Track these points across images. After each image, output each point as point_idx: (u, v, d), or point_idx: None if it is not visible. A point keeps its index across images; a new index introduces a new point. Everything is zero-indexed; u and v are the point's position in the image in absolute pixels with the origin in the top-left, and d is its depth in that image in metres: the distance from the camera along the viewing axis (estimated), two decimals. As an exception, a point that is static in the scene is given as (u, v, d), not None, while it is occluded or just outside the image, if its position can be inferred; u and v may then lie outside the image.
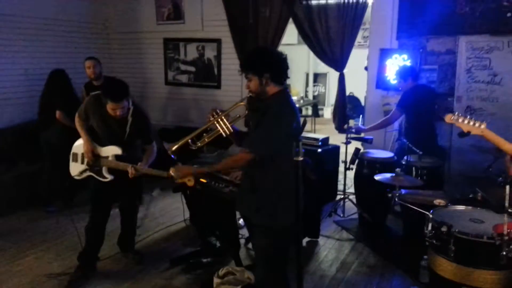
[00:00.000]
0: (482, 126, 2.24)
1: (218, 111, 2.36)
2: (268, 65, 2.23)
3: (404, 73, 4.26)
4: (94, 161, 3.18)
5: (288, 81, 2.61)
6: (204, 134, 2.39)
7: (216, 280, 3.10)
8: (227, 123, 2.34)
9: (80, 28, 6.21)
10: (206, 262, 3.47)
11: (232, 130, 2.38)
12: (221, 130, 2.33)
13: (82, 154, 3.24)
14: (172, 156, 2.29)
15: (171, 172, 2.29)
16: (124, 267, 3.47)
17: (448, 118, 2.36)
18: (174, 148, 2.26)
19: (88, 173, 3.23)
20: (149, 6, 6.37)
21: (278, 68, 2.26)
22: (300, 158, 1.79)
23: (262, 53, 2.31)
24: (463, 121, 2.28)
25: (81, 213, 3.94)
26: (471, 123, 2.26)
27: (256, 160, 2.19)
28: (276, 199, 2.27)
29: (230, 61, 5.92)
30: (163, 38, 6.41)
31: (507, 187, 2.00)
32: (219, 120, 2.33)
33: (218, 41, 6.00)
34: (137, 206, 3.64)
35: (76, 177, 3.31)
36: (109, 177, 3.16)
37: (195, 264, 3.44)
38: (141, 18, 6.51)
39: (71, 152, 3.35)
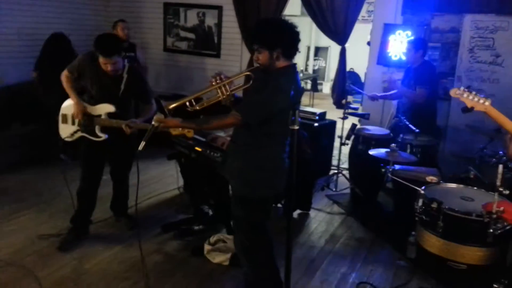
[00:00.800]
0: (487, 103, 2.22)
1: (222, 77, 2.26)
2: (281, 40, 2.15)
3: (418, 44, 4.13)
4: (86, 121, 3.11)
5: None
6: (204, 99, 2.31)
7: (207, 247, 3.15)
8: (229, 90, 2.25)
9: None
10: (197, 229, 3.51)
11: (233, 99, 2.31)
12: (222, 97, 2.26)
13: (72, 114, 3.16)
14: (168, 113, 2.19)
15: (156, 119, 2.17)
16: (116, 231, 3.50)
17: (453, 92, 2.31)
18: (171, 106, 2.16)
19: (80, 134, 3.16)
20: (149, -31, 6.19)
21: (291, 43, 2.19)
22: (296, 127, 1.75)
23: (276, 26, 2.19)
24: (468, 96, 2.24)
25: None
26: (476, 98, 2.23)
27: (244, 126, 2.16)
28: (258, 170, 2.24)
29: (231, 30, 5.82)
30: (163, 2, 6.26)
31: (500, 166, 2.01)
32: (221, 86, 2.24)
33: (219, 8, 5.87)
34: (127, 171, 3.53)
35: (67, 139, 3.22)
36: (103, 136, 3.10)
37: (187, 231, 3.48)
38: (141, -19, 6.33)
39: (60, 114, 3.26)
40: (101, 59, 2.91)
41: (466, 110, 2.27)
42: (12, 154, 4.69)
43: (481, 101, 2.24)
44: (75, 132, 3.17)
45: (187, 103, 2.20)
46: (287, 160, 2.30)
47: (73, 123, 3.18)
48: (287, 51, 2.18)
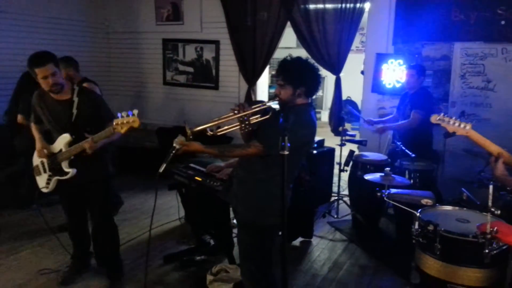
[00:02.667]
0: (467, 127, 2.27)
1: (245, 107, 2.29)
2: (307, 80, 2.28)
3: (420, 70, 4.22)
4: (52, 162, 2.92)
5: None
6: (225, 126, 2.34)
7: (209, 277, 3.14)
8: (248, 120, 2.28)
9: (80, 27, 6.28)
10: (199, 259, 3.50)
11: (250, 129, 2.34)
12: (241, 126, 2.29)
13: (41, 161, 2.99)
14: (191, 137, 2.20)
15: (178, 141, 2.17)
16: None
17: (434, 118, 2.38)
18: (196, 129, 2.18)
19: (53, 179, 2.95)
20: (148, 7, 6.45)
21: (314, 84, 2.32)
22: (286, 152, 1.81)
23: (304, 66, 2.30)
24: (448, 121, 2.32)
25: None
26: (457, 123, 2.29)
27: (261, 156, 2.23)
28: (270, 197, 2.27)
29: (228, 63, 5.99)
30: (162, 38, 6.48)
31: (490, 186, 2.05)
32: (242, 116, 2.26)
33: (216, 43, 6.06)
34: (103, 211, 3.14)
35: (45, 190, 3.01)
36: (71, 171, 2.86)
37: (189, 262, 3.47)
38: (140, 19, 6.58)
39: (33, 167, 3.07)
40: (38, 74, 2.70)
41: (448, 135, 2.34)
42: (13, 190, 4.70)
43: (462, 125, 2.29)
44: (48, 179, 2.97)
45: (208, 129, 2.24)
46: (289, 194, 2.38)
47: (45, 170, 2.99)
48: (310, 90, 2.31)
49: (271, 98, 2.42)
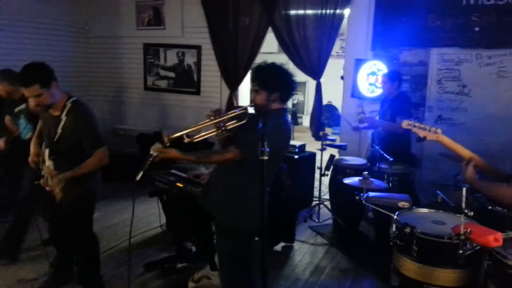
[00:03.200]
0: (438, 132, 2.36)
1: (221, 113, 2.32)
2: (281, 85, 2.31)
3: (393, 76, 4.31)
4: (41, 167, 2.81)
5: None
6: (202, 132, 2.33)
7: (191, 284, 3.12)
8: (225, 126, 2.30)
9: (60, 32, 6.20)
10: (181, 267, 3.48)
11: (227, 134, 2.35)
12: (217, 132, 2.31)
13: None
14: (168, 144, 2.18)
15: (155, 149, 2.16)
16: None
17: (405, 124, 2.47)
18: (174, 136, 2.16)
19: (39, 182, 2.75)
20: (129, 12, 6.41)
21: (289, 89, 2.35)
22: (265, 157, 1.83)
23: (278, 72, 2.34)
24: (419, 127, 2.40)
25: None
26: (427, 129, 2.38)
27: (238, 161, 2.23)
28: (247, 203, 2.28)
29: (210, 68, 6.00)
30: (143, 43, 6.44)
31: (464, 189, 2.12)
32: (218, 122, 2.28)
33: (198, 48, 6.07)
34: (72, 231, 2.89)
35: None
36: (51, 184, 2.61)
37: (170, 269, 3.45)
38: (121, 23, 6.54)
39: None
40: (24, 92, 2.57)
41: (419, 139, 2.43)
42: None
43: (432, 130, 2.38)
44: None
45: (185, 136, 2.23)
46: (267, 197, 2.31)
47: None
48: (284, 95, 2.35)
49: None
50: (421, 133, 2.39)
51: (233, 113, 2.34)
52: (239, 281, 2.40)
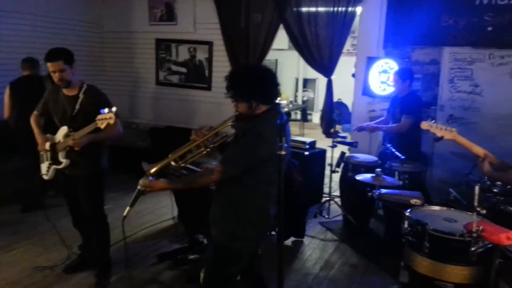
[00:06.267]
0: (454, 131, 2.45)
1: (204, 131, 2.22)
2: (255, 91, 2.06)
3: (404, 74, 4.29)
4: (52, 152, 3.07)
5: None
6: (188, 154, 2.25)
7: (202, 275, 3.18)
8: (212, 143, 2.23)
9: (74, 26, 6.28)
10: (193, 258, 3.54)
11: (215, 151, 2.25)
12: (205, 151, 2.23)
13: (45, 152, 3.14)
14: (151, 178, 2.13)
15: (142, 184, 2.13)
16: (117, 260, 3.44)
17: (424, 124, 2.58)
18: (153, 170, 2.13)
19: (52, 167, 3.09)
20: (142, 7, 6.46)
21: (267, 91, 2.10)
22: (283, 152, 1.77)
23: (249, 77, 2.10)
24: (436, 127, 2.51)
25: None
26: (444, 128, 2.48)
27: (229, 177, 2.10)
28: (239, 221, 2.14)
29: (221, 64, 6.03)
30: (155, 38, 6.49)
31: (476, 187, 2.15)
32: (204, 140, 2.21)
33: (209, 44, 6.10)
34: (91, 207, 3.15)
35: (45, 177, 3.15)
36: (65, 161, 3.00)
37: (182, 260, 3.51)
38: (134, 19, 6.59)
39: (40, 154, 3.21)
40: (49, 68, 2.90)
41: (437, 139, 2.54)
42: (12, 185, 4.72)
43: (449, 129, 2.49)
44: (48, 167, 3.11)
45: (172, 162, 2.19)
46: (273, 207, 2.21)
47: (47, 159, 3.13)
48: (265, 99, 2.10)
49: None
50: (439, 133, 2.48)
51: (218, 127, 2.21)
52: None
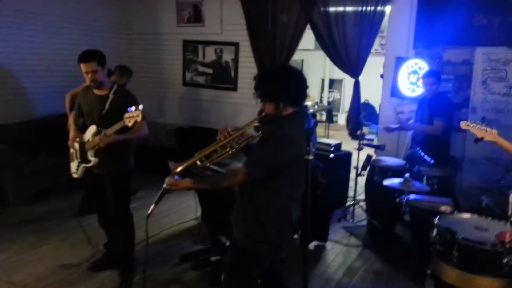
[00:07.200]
0: (494, 132, 2.37)
1: (230, 131, 2.22)
2: (284, 92, 2.06)
3: (433, 76, 4.16)
4: (81, 151, 3.17)
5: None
6: (213, 154, 2.25)
7: (223, 277, 3.17)
8: (238, 143, 2.22)
9: (103, 28, 6.44)
10: (215, 259, 3.54)
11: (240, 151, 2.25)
12: (231, 151, 2.23)
13: (75, 149, 3.26)
14: (176, 177, 2.15)
15: (168, 182, 2.15)
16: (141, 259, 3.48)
17: (463, 124, 2.49)
18: (179, 169, 2.15)
19: (81, 166, 3.19)
20: (170, 9, 6.55)
21: (295, 93, 2.09)
22: (310, 157, 1.73)
23: (278, 78, 2.09)
24: (476, 127, 2.43)
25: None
26: (484, 129, 2.40)
27: (257, 181, 2.09)
28: (260, 225, 2.13)
29: (247, 64, 6.04)
30: (182, 40, 6.57)
31: (511, 196, 2.04)
32: (230, 141, 2.20)
33: (236, 45, 6.12)
34: (116, 204, 3.22)
35: (74, 175, 3.26)
36: (93, 159, 3.11)
37: (205, 261, 3.52)
38: (162, 20, 6.69)
39: (69, 153, 3.32)
40: (82, 69, 2.98)
41: (477, 140, 2.44)
42: (40, 183, 4.89)
43: (489, 130, 2.41)
44: (77, 165, 3.22)
45: (197, 162, 2.19)
46: (296, 212, 2.20)
47: (76, 158, 3.24)
48: (292, 101, 2.09)
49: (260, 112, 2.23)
50: (479, 134, 2.40)
51: (244, 127, 2.22)
52: None
